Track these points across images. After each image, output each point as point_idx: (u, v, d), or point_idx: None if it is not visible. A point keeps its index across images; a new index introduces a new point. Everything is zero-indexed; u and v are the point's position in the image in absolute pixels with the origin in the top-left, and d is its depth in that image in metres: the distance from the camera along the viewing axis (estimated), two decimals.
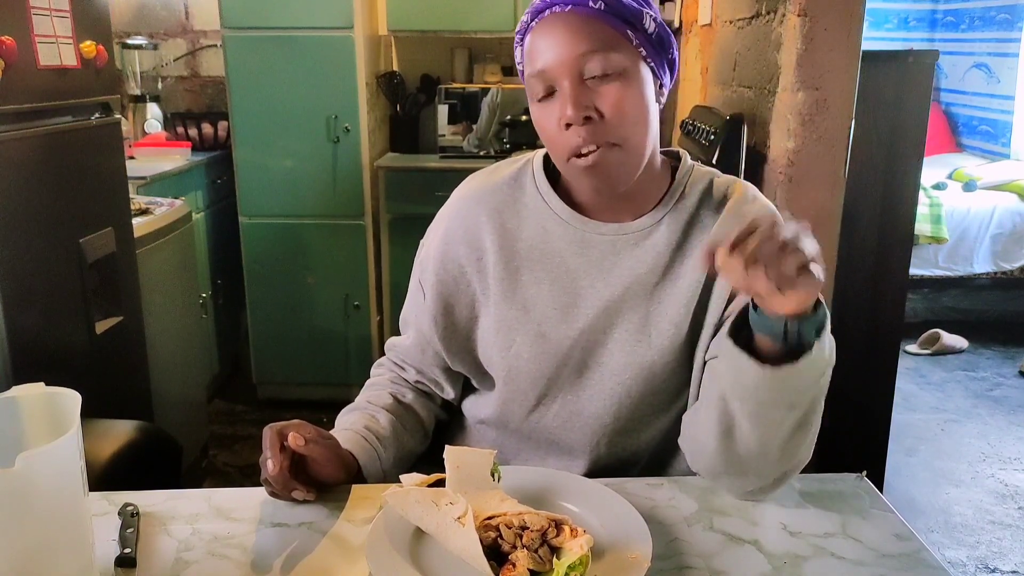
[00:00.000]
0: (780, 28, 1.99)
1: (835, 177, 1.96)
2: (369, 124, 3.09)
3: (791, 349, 0.85)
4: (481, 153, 3.22)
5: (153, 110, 3.40)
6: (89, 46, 1.76)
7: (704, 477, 1.00)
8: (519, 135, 3.20)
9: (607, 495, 0.92)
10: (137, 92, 3.43)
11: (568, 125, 0.95)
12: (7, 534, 0.68)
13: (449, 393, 1.18)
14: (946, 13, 5.28)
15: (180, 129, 3.34)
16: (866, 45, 1.91)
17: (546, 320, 1.05)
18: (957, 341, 3.91)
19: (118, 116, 1.95)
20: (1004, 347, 3.96)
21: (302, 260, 3.14)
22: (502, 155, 3.08)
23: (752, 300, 0.86)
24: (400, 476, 0.91)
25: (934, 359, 3.85)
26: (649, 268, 1.03)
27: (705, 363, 1.03)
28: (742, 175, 2.05)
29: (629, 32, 0.95)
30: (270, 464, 0.90)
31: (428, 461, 1.15)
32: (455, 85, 3.35)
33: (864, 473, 1.02)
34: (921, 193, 3.64)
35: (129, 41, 3.44)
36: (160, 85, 3.60)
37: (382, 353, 1.24)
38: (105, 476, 1.34)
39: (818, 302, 0.84)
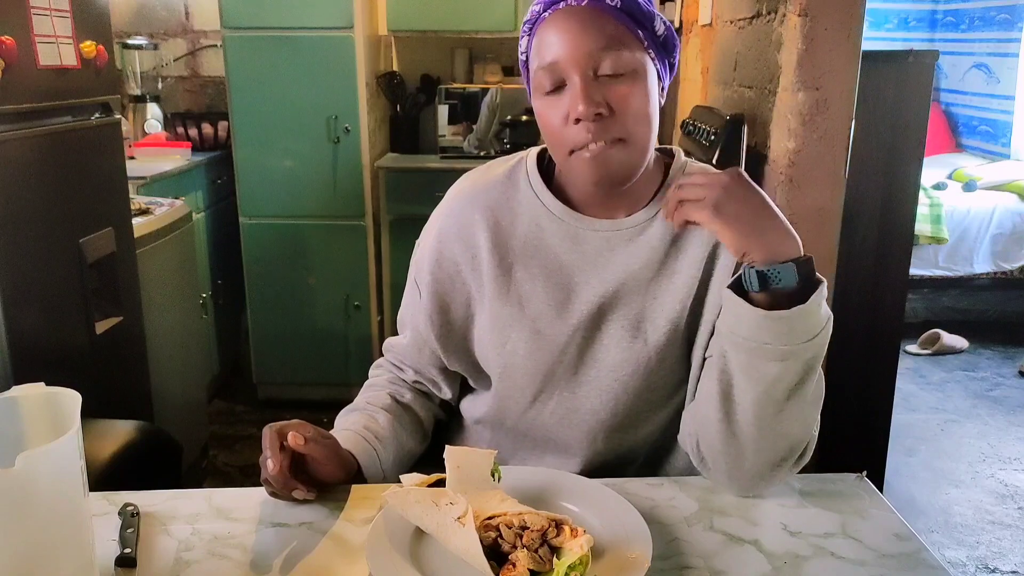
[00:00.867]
0: (780, 28, 1.99)
1: (835, 177, 1.96)
2: (369, 124, 3.09)
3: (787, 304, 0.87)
4: (481, 153, 3.22)
5: (153, 110, 3.40)
6: (89, 46, 1.76)
7: (706, 472, 1.00)
8: (519, 135, 3.20)
9: (607, 495, 0.92)
10: (137, 92, 3.43)
11: (577, 120, 0.94)
12: (7, 534, 0.68)
13: (447, 393, 1.18)
14: (946, 13, 5.28)
15: (180, 129, 3.34)
16: (866, 45, 1.91)
17: (541, 317, 1.05)
18: (957, 341, 3.91)
19: (118, 116, 1.94)
20: (1004, 347, 3.96)
21: (302, 260, 3.14)
22: (502, 155, 3.08)
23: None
24: (400, 476, 0.91)
25: (934, 359, 3.85)
26: (644, 264, 1.03)
27: (704, 360, 1.03)
28: None
29: (640, 32, 0.96)
30: (270, 464, 0.90)
31: (428, 461, 1.15)
32: (455, 85, 3.35)
33: (864, 473, 1.02)
34: (921, 193, 3.64)
35: (129, 41, 3.44)
36: (160, 85, 3.60)
37: (382, 353, 1.24)
38: (105, 476, 1.35)
39: (809, 258, 0.88)
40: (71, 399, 0.77)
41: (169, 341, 2.35)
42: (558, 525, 0.81)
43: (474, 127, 3.26)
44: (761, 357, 0.88)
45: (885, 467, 2.32)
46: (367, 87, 3.05)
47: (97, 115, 1.85)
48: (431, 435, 1.19)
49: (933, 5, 5.33)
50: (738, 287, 0.90)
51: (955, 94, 5.21)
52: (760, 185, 2.27)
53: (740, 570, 0.83)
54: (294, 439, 0.91)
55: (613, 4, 0.95)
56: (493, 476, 0.89)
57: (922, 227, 3.89)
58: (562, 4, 0.95)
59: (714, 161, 2.05)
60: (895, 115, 2.07)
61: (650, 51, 0.97)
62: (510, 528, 0.80)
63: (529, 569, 0.77)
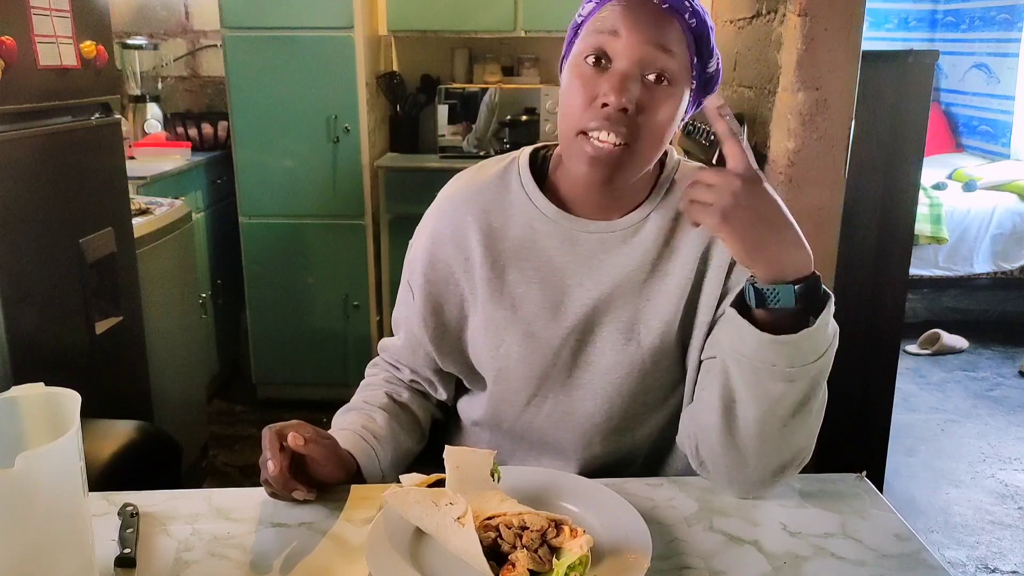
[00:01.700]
0: (780, 28, 1.99)
1: (835, 177, 1.96)
2: (369, 124, 3.09)
3: (791, 321, 0.86)
4: (480, 153, 3.22)
5: (153, 110, 3.40)
6: (89, 46, 1.76)
7: (706, 475, 1.00)
8: (518, 135, 3.20)
9: (607, 495, 0.92)
10: (137, 92, 3.43)
11: (604, 105, 0.93)
12: (7, 534, 0.68)
13: (442, 394, 1.17)
14: (946, 13, 5.28)
15: (180, 129, 3.34)
16: (866, 45, 1.91)
17: (534, 319, 1.05)
18: (957, 341, 3.91)
19: (118, 116, 1.94)
20: (1004, 347, 3.96)
21: (302, 260, 3.14)
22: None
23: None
24: (400, 476, 0.91)
25: (934, 359, 3.85)
26: (637, 265, 1.03)
27: (700, 363, 1.03)
28: None
29: (695, 60, 0.96)
30: (270, 464, 0.90)
31: (427, 461, 1.15)
32: (455, 85, 3.35)
33: (864, 473, 1.02)
34: (921, 193, 3.64)
35: (129, 41, 3.44)
36: (160, 85, 3.60)
37: (378, 353, 1.24)
38: (105, 476, 1.34)
39: (815, 277, 0.86)
40: (71, 399, 0.77)
41: (169, 341, 2.35)
42: (558, 525, 0.81)
43: (473, 127, 3.26)
44: (766, 377, 0.87)
45: (885, 467, 2.32)
46: (367, 87, 3.04)
47: (97, 115, 1.85)
48: (429, 434, 1.19)
49: (933, 5, 5.33)
50: (743, 300, 0.89)
51: (955, 94, 5.21)
52: None
53: (740, 570, 0.83)
54: (293, 439, 0.91)
55: (690, 22, 0.94)
56: (493, 476, 0.89)
57: (922, 227, 3.89)
58: None
59: (714, 161, 2.05)
60: (895, 115, 2.07)
61: (693, 82, 0.98)
62: (510, 528, 0.80)
63: (529, 569, 0.77)
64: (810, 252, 0.86)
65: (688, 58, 0.95)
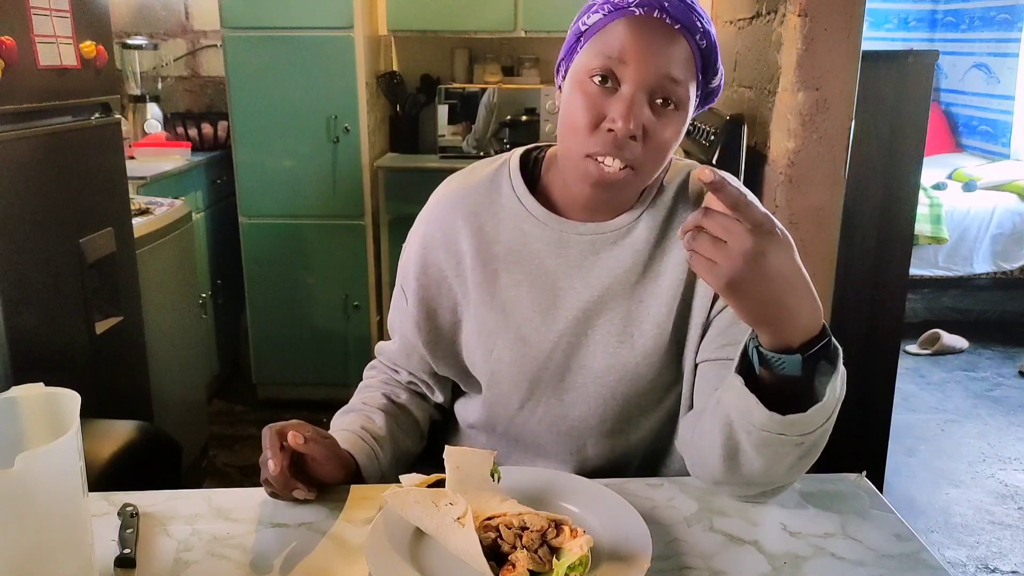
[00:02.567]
0: (780, 28, 1.99)
1: (835, 177, 1.96)
2: (369, 124, 3.09)
3: (800, 394, 0.82)
4: (480, 153, 3.22)
5: (153, 110, 3.40)
6: (89, 46, 1.76)
7: (703, 481, 0.99)
8: (518, 135, 3.20)
9: (607, 495, 0.92)
10: (137, 92, 3.43)
11: (610, 130, 0.92)
12: (7, 534, 0.68)
13: (438, 396, 1.17)
14: (946, 13, 5.28)
15: (180, 129, 3.34)
16: (866, 45, 1.91)
17: (526, 323, 1.04)
18: (957, 341, 3.91)
19: (118, 116, 1.94)
20: (1004, 347, 3.96)
21: (302, 260, 3.14)
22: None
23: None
24: (400, 476, 0.91)
25: (934, 359, 3.84)
26: (629, 267, 1.02)
27: (696, 366, 1.02)
28: (742, 176, 2.05)
29: (701, 77, 0.96)
30: (271, 464, 0.90)
31: (426, 462, 1.15)
32: (455, 85, 3.35)
33: (864, 473, 1.02)
34: (921, 193, 3.65)
35: (129, 41, 3.44)
36: (160, 85, 3.60)
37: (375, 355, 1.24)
38: (105, 476, 1.34)
39: (823, 334, 0.81)
40: (70, 399, 0.77)
41: (169, 341, 2.35)
42: (558, 525, 0.81)
43: (473, 127, 3.26)
44: (775, 443, 0.84)
45: (885, 467, 2.32)
46: (367, 87, 3.04)
47: (97, 115, 1.85)
48: (427, 435, 1.19)
49: (933, 5, 5.33)
50: (745, 358, 0.85)
51: (955, 94, 5.21)
52: (760, 185, 2.27)
53: (740, 570, 0.83)
54: (293, 438, 0.91)
55: (701, 44, 0.93)
56: (493, 476, 0.89)
57: (922, 227, 3.89)
58: (656, 13, 0.90)
59: (714, 161, 2.04)
60: (895, 115, 2.07)
61: (698, 95, 0.97)
62: (510, 528, 0.80)
63: (529, 569, 0.77)
64: (819, 305, 0.80)
65: (694, 78, 0.95)
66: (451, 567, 0.81)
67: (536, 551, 0.78)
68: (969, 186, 4.13)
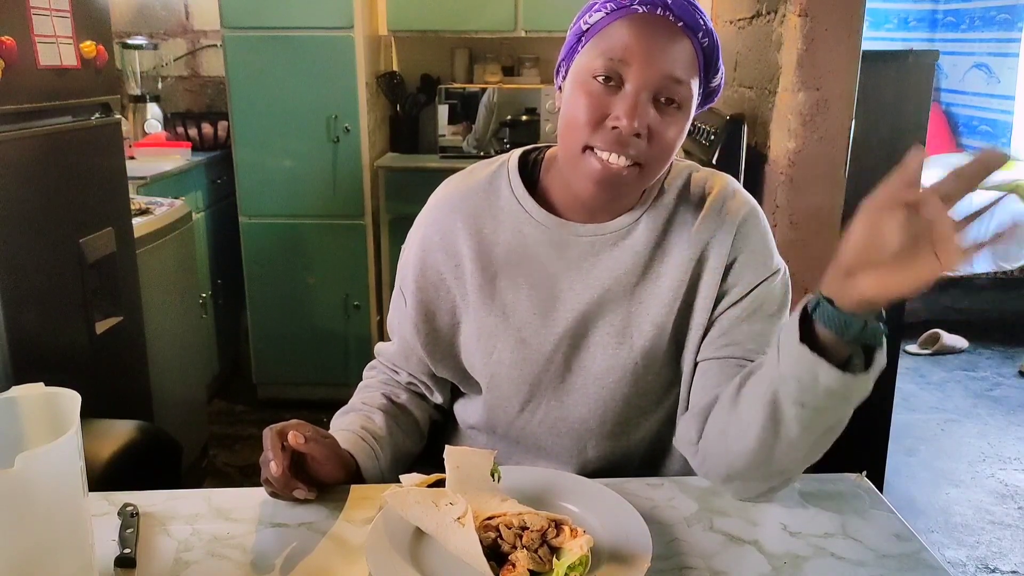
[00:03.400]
0: (780, 28, 1.99)
1: (835, 177, 1.96)
2: (369, 124, 3.09)
3: (851, 354, 0.80)
4: (481, 153, 3.22)
5: (153, 110, 3.40)
6: (89, 46, 1.76)
7: (710, 478, 0.99)
8: (519, 135, 3.20)
9: (607, 495, 0.92)
10: (137, 92, 3.43)
11: (614, 128, 0.92)
12: (7, 534, 0.68)
13: (438, 398, 1.17)
14: (946, 13, 5.28)
15: (180, 129, 3.34)
16: (866, 45, 1.91)
17: (526, 325, 1.04)
18: (957, 341, 3.91)
19: (118, 116, 1.94)
20: (1004, 347, 3.96)
21: (302, 260, 3.14)
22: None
23: (822, 296, 0.79)
24: (400, 476, 0.91)
25: (934, 359, 3.84)
26: (628, 268, 1.02)
27: (696, 365, 1.02)
28: (742, 176, 2.05)
29: (703, 76, 0.96)
30: (272, 465, 0.90)
31: (426, 462, 1.15)
32: (455, 85, 3.35)
33: (864, 473, 1.02)
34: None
35: (129, 41, 3.44)
36: (160, 85, 3.60)
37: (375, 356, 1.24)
38: (105, 476, 1.34)
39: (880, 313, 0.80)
40: (71, 399, 0.77)
41: (169, 341, 2.35)
42: (558, 525, 0.81)
43: (473, 127, 3.26)
44: (827, 412, 0.84)
45: (885, 467, 2.32)
46: (367, 87, 3.04)
47: (97, 115, 1.85)
48: (427, 436, 1.19)
49: (933, 5, 5.33)
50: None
51: (955, 94, 5.21)
52: (761, 185, 2.27)
53: (740, 570, 0.83)
54: (294, 438, 0.91)
55: (703, 42, 0.93)
56: (493, 476, 0.89)
57: None
58: (659, 11, 0.91)
59: (714, 161, 2.05)
60: (895, 115, 2.07)
61: (699, 95, 0.97)
62: (510, 528, 0.80)
63: (529, 569, 0.77)
64: None
65: (697, 77, 0.95)
66: (451, 567, 0.81)
67: (536, 551, 0.78)
68: None
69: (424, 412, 1.18)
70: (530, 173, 1.08)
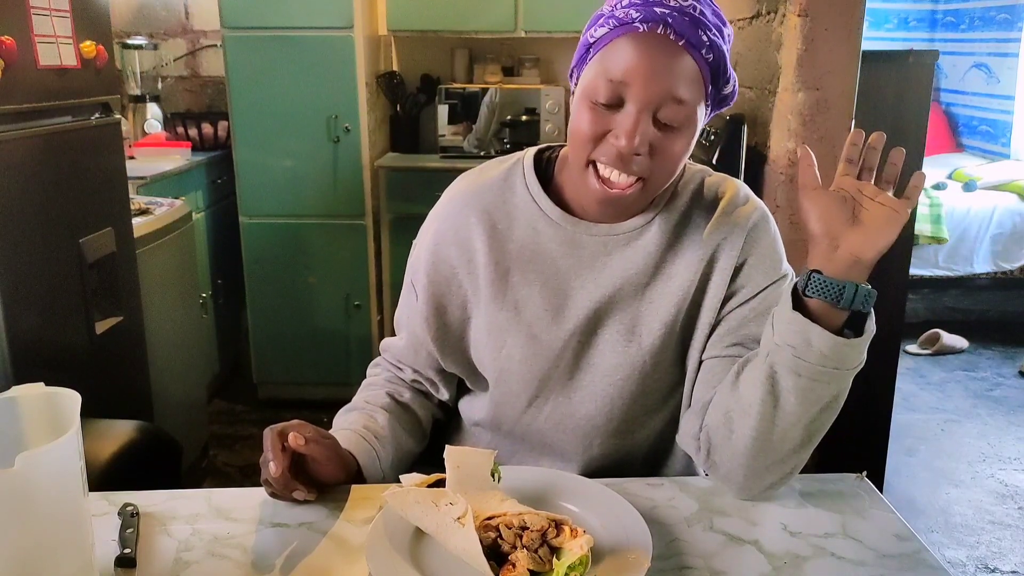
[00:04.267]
0: (780, 28, 1.99)
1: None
2: (369, 124, 3.09)
3: (846, 322, 0.86)
4: (481, 153, 3.22)
5: (153, 110, 3.40)
6: (89, 46, 1.76)
7: (713, 473, 0.99)
8: (519, 135, 3.20)
9: (607, 495, 0.92)
10: (137, 92, 3.43)
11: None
12: (7, 534, 0.68)
13: (444, 394, 1.17)
14: (946, 13, 5.28)
15: (180, 129, 3.34)
16: (866, 45, 1.91)
17: (537, 322, 1.05)
18: (957, 341, 3.91)
19: (118, 116, 1.94)
20: (1004, 347, 3.96)
21: (302, 260, 3.14)
22: (502, 155, 3.08)
23: (811, 270, 0.86)
24: (400, 476, 0.91)
25: (934, 359, 3.84)
26: (640, 268, 1.03)
27: (701, 363, 1.03)
28: (742, 176, 2.05)
29: (711, 89, 0.95)
30: (272, 466, 0.90)
31: (427, 461, 1.15)
32: (455, 85, 3.35)
33: (864, 473, 1.02)
34: (921, 193, 3.63)
35: (129, 41, 3.44)
36: (160, 85, 3.60)
37: (379, 353, 1.24)
38: (105, 476, 1.35)
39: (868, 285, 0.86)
40: (71, 399, 0.77)
41: (169, 341, 2.35)
42: (558, 525, 0.81)
43: (474, 127, 3.26)
44: (820, 382, 0.87)
45: (885, 467, 2.32)
46: (367, 87, 3.05)
47: (97, 115, 1.85)
48: (430, 435, 1.19)
49: (933, 5, 5.33)
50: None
51: (955, 94, 5.21)
52: (761, 185, 2.27)
53: (740, 570, 0.83)
54: (294, 439, 0.91)
55: (707, 57, 0.92)
56: (493, 476, 0.89)
57: (922, 227, 3.89)
58: (660, 29, 0.90)
59: (714, 161, 2.05)
60: (895, 115, 2.07)
61: (708, 104, 0.96)
62: (510, 528, 0.80)
63: (529, 569, 0.77)
64: None
65: (702, 90, 0.94)
66: (451, 567, 0.81)
67: (536, 551, 0.78)
68: (969, 186, 4.13)
69: (427, 411, 1.18)
70: (544, 171, 1.09)
